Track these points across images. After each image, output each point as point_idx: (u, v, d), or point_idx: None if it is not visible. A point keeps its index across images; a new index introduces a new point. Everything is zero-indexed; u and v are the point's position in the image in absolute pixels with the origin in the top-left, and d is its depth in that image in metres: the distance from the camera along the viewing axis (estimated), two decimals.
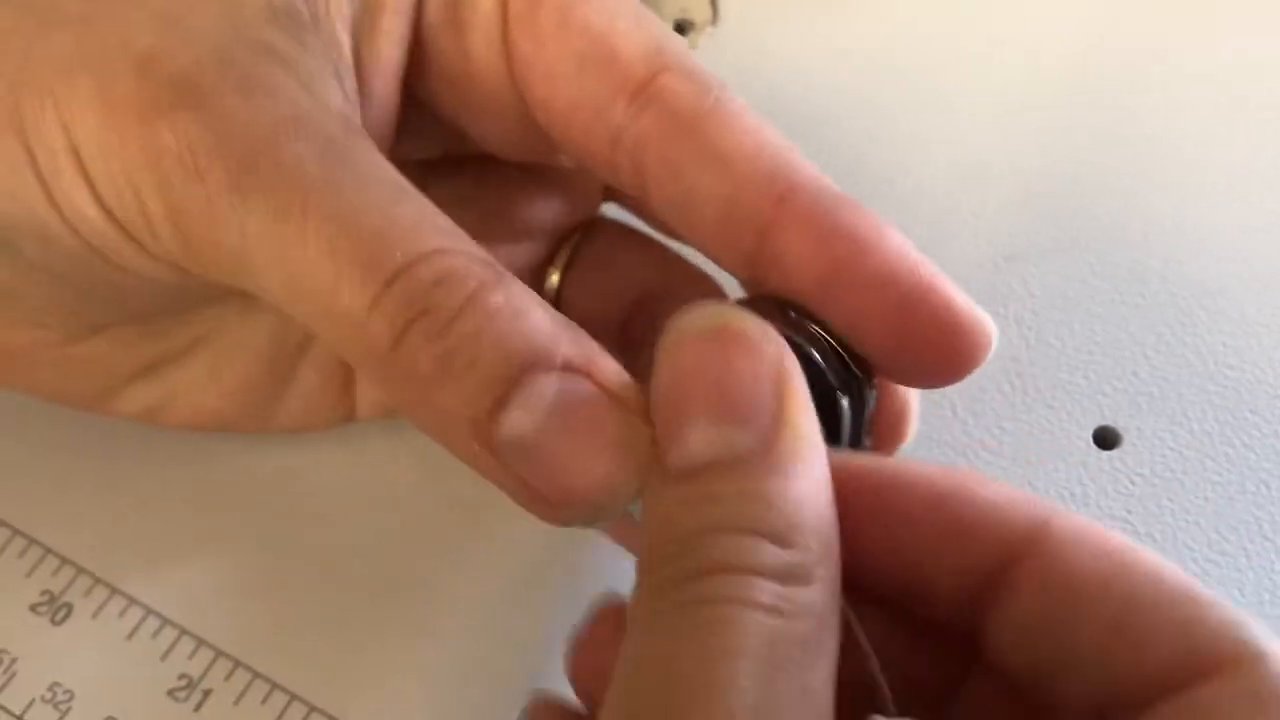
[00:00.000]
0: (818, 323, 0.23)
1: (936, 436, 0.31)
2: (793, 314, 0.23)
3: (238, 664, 0.28)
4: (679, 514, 0.19)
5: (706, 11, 0.39)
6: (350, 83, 0.24)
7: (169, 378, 0.28)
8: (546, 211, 0.29)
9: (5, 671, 0.27)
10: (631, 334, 0.29)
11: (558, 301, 0.29)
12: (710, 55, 0.38)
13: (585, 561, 0.29)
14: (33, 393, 0.28)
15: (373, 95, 0.25)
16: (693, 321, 0.20)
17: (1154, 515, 0.30)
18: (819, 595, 0.18)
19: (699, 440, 0.19)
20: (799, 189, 0.22)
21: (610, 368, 0.21)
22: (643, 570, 0.19)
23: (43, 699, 0.27)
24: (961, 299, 0.22)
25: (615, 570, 0.26)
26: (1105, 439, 0.31)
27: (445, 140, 0.27)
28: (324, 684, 0.27)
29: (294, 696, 0.27)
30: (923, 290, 0.22)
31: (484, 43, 0.25)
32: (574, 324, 0.21)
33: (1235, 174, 0.36)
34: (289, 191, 0.21)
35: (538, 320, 0.20)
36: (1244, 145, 0.37)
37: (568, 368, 0.20)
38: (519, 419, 0.20)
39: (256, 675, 0.27)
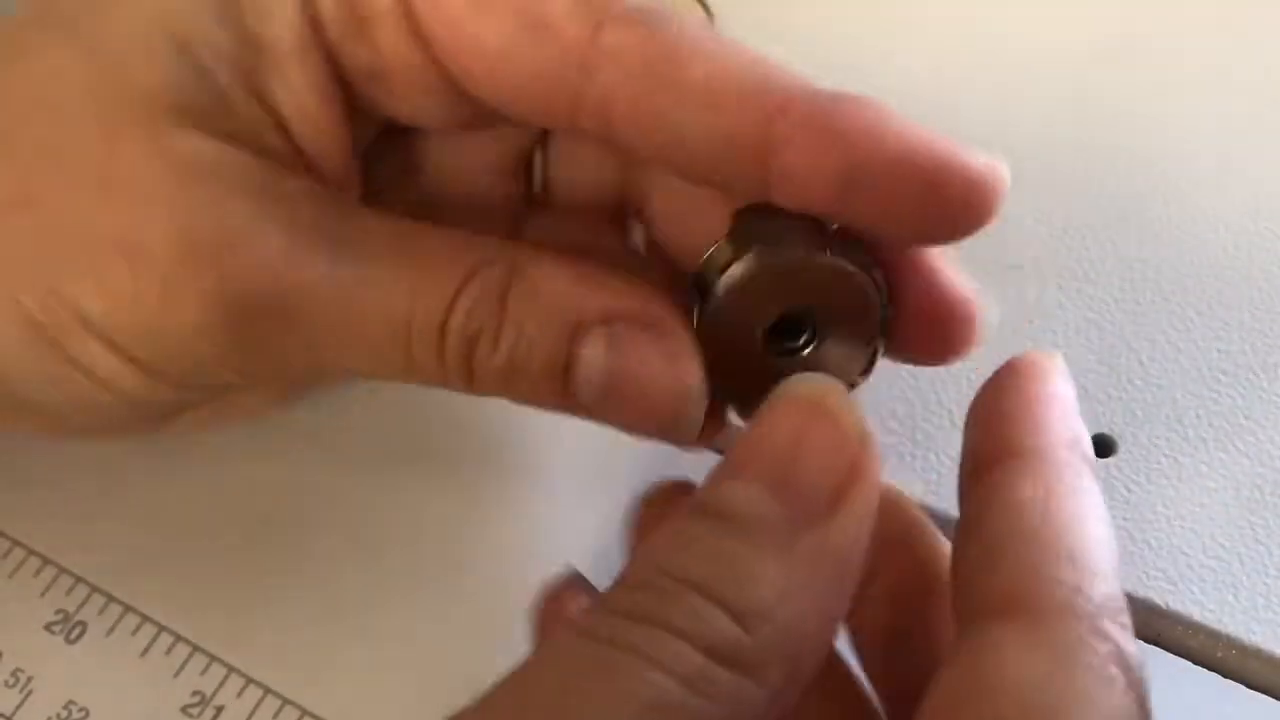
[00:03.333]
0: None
1: (933, 445, 0.31)
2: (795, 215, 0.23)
3: (250, 680, 0.28)
4: (669, 544, 0.19)
5: (698, 14, 0.39)
6: (280, 145, 0.24)
7: (217, 399, 0.28)
8: (501, 143, 0.28)
9: (21, 690, 0.28)
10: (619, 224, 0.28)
11: (547, 187, 0.28)
12: None
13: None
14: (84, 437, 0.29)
15: (307, 140, 0.24)
16: (795, 386, 0.21)
17: (1149, 522, 0.30)
18: (756, 695, 0.18)
19: (741, 491, 0.19)
20: (791, 101, 0.21)
21: (637, 298, 0.23)
22: (618, 580, 0.19)
23: (59, 717, 0.28)
24: (977, 156, 0.21)
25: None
26: (1101, 447, 0.31)
27: (381, 123, 0.26)
28: (336, 700, 0.28)
29: (305, 712, 0.28)
30: (945, 161, 0.21)
31: (395, 39, 0.24)
32: (594, 270, 0.23)
33: (1232, 178, 0.36)
34: (334, 313, 0.23)
35: (562, 286, 0.23)
36: (1240, 147, 0.37)
37: (604, 318, 0.23)
38: (586, 380, 0.23)
39: (269, 691, 0.28)
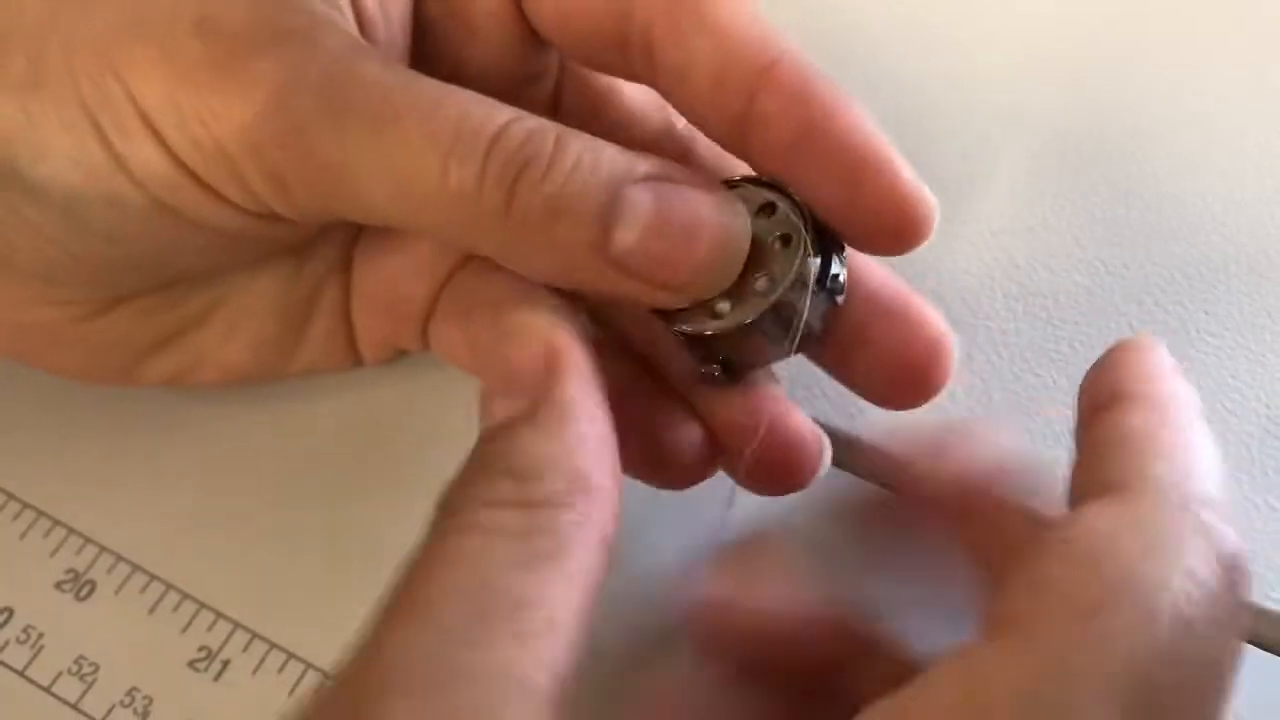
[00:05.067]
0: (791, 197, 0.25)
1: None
2: (767, 184, 0.25)
3: (255, 635, 0.29)
4: (467, 464, 0.22)
5: None
6: (353, 22, 0.26)
7: (190, 342, 0.29)
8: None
9: (32, 646, 0.29)
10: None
11: None
12: None
13: None
14: (57, 372, 0.29)
15: (380, 42, 0.26)
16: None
17: None
18: (566, 518, 0.21)
19: (495, 408, 0.23)
20: (784, 58, 0.24)
21: (681, 169, 0.24)
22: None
23: (69, 672, 0.28)
24: (907, 174, 0.24)
25: None
26: None
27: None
28: (338, 652, 0.29)
29: (309, 665, 0.28)
30: (873, 161, 0.24)
31: None
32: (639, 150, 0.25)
33: (1218, 148, 0.37)
34: (380, 103, 0.23)
35: (613, 151, 0.24)
36: (1234, 117, 0.37)
37: (649, 178, 0.24)
38: (629, 229, 0.23)
39: (274, 646, 0.29)
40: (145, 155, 0.24)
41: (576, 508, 0.21)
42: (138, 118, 0.23)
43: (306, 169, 0.24)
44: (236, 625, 0.29)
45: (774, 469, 0.27)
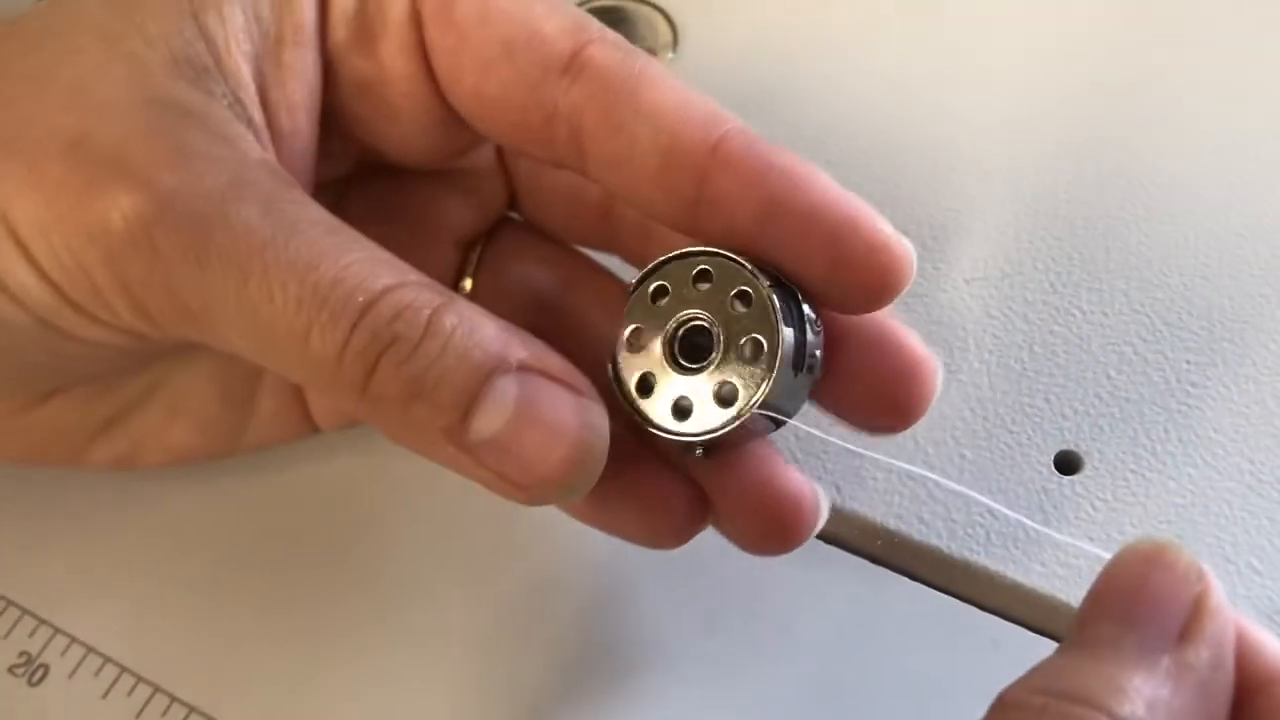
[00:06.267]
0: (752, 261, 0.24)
1: (896, 466, 0.31)
2: (728, 253, 0.24)
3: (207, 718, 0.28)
4: (1040, 672, 0.20)
5: (667, 35, 0.39)
6: (259, 121, 0.25)
7: (131, 426, 0.29)
8: (457, 217, 0.30)
9: None
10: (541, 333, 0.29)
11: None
12: None
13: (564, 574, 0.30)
14: (2, 460, 0.29)
15: (284, 133, 0.25)
16: (1136, 545, 0.21)
17: (1116, 541, 0.30)
18: None
19: (1102, 626, 0.21)
20: (732, 135, 0.24)
21: (559, 362, 0.23)
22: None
23: None
24: (886, 226, 0.23)
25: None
26: (1067, 464, 0.31)
27: (357, 156, 0.28)
28: None
29: None
30: (852, 220, 0.23)
31: (397, 51, 0.26)
32: (520, 328, 0.23)
33: (1200, 190, 0.36)
34: (248, 256, 0.22)
35: (490, 331, 0.22)
36: (1210, 157, 0.36)
37: (523, 368, 0.22)
38: (488, 421, 0.22)
39: None
40: (20, 277, 0.23)
41: None
42: (10, 238, 0.23)
43: (169, 306, 0.23)
44: (191, 709, 0.28)
45: (766, 532, 0.26)
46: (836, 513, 0.30)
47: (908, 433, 0.31)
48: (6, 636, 0.29)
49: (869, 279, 0.23)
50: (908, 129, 0.36)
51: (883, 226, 0.23)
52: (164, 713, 0.28)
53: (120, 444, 0.29)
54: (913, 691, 0.28)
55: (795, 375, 0.23)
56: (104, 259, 0.22)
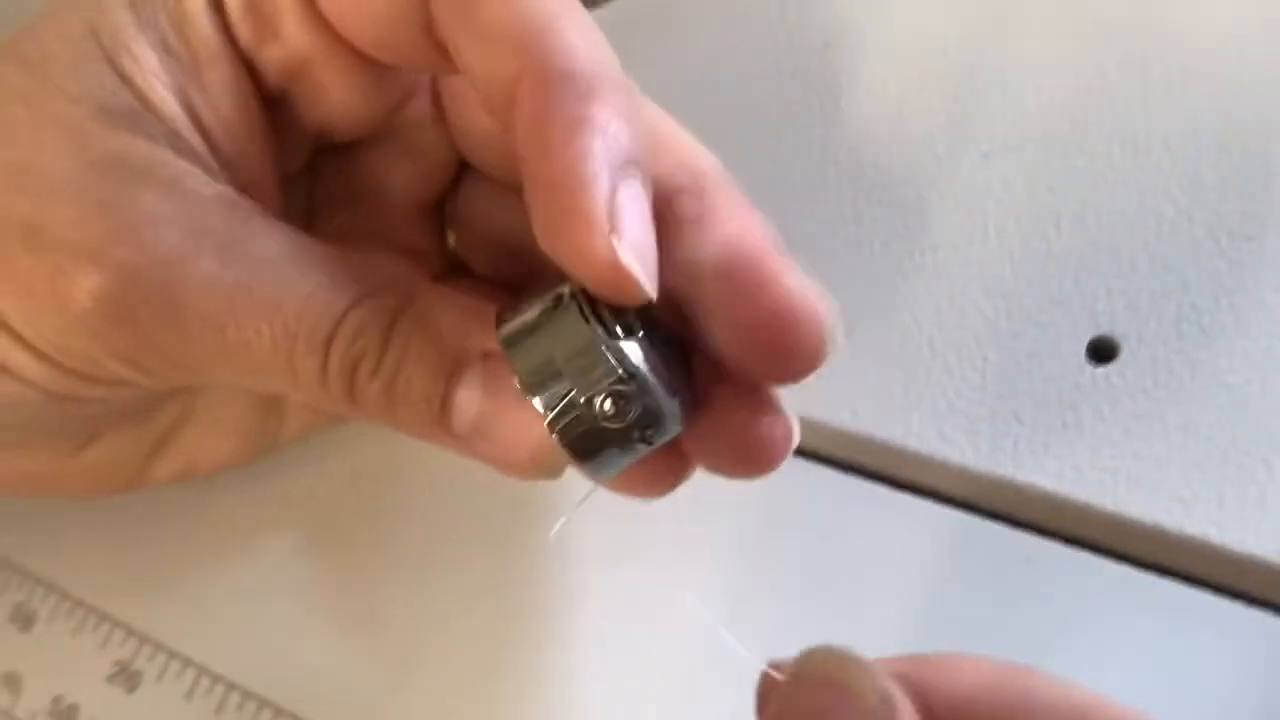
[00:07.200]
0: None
1: (912, 377, 0.29)
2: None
3: (280, 712, 0.30)
4: None
5: None
6: (202, 149, 0.25)
7: (179, 444, 0.31)
8: (414, 180, 0.29)
9: None
10: (524, 274, 0.29)
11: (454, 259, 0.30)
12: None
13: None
14: (71, 495, 0.31)
15: (229, 152, 0.25)
16: (811, 663, 0.21)
17: (1158, 434, 0.27)
18: None
19: None
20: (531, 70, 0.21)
21: None
22: None
23: None
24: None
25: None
26: (1100, 351, 0.28)
27: (313, 139, 0.28)
28: None
29: None
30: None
31: (297, 26, 0.25)
32: (482, 307, 0.24)
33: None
34: (216, 311, 0.23)
35: (448, 325, 0.23)
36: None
37: (488, 355, 0.23)
38: (461, 415, 0.23)
39: None
40: (19, 359, 0.25)
41: None
42: (3, 328, 0.24)
43: (162, 364, 0.24)
44: (262, 703, 0.31)
45: (739, 471, 0.24)
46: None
47: (922, 342, 0.29)
48: (103, 647, 0.32)
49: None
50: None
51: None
52: (238, 707, 0.31)
53: (176, 461, 0.31)
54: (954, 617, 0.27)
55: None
56: (90, 336, 0.24)
